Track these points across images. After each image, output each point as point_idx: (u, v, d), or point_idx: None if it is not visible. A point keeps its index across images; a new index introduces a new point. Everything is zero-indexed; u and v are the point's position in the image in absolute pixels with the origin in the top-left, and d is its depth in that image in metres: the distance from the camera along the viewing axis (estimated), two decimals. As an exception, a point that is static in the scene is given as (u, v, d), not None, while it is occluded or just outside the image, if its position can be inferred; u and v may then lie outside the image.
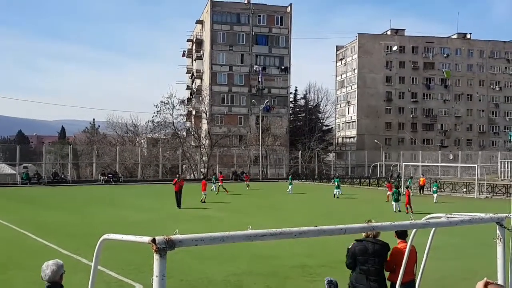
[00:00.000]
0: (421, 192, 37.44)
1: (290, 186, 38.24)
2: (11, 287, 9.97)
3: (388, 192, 30.40)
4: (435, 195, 31.66)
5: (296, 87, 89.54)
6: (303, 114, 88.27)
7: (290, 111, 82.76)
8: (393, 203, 25.41)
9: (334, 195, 33.97)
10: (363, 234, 6.70)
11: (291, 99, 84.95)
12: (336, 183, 35.35)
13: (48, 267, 4.59)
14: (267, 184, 49.80)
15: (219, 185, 37.70)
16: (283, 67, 77.10)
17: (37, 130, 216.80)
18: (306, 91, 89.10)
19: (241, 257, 12.76)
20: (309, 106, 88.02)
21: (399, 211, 24.50)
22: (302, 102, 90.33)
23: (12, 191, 37.92)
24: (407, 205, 24.37)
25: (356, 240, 6.71)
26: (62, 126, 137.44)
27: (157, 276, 2.77)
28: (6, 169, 59.27)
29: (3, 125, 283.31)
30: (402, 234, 6.94)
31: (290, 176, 42.56)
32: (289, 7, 77.85)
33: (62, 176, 49.45)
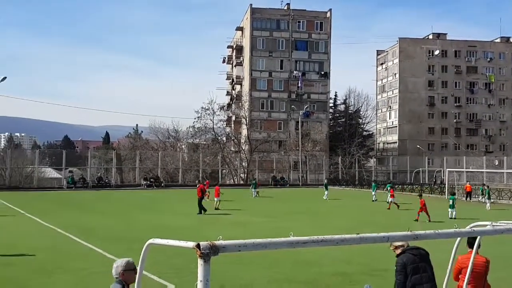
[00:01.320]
0: (469, 199, 36.32)
1: (326, 192, 37.98)
2: (58, 288, 10.26)
3: (390, 199, 29.55)
4: (488, 202, 30.97)
5: (336, 92, 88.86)
6: (343, 119, 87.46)
7: (330, 117, 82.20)
8: (449, 209, 24.82)
9: (374, 200, 34.48)
10: (398, 247, 6.47)
11: (331, 105, 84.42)
12: (373, 188, 36.37)
13: (114, 264, 4.94)
14: (306, 190, 49.55)
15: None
16: (322, 73, 76.75)
17: (82, 135, 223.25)
18: (346, 96, 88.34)
19: (282, 263, 12.74)
20: (349, 111, 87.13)
21: (454, 218, 23.83)
22: (342, 107, 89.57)
23: (58, 195, 39.08)
24: (419, 213, 23.55)
25: (398, 256, 6.47)
26: (106, 132, 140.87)
27: (201, 281, 2.84)
28: (52, 173, 61.22)
29: (50, 130, 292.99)
30: (472, 243, 6.59)
31: (325, 182, 42.29)
32: (329, 12, 77.53)
33: (106, 181, 50.70)
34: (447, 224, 21.68)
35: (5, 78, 46.95)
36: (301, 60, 76.56)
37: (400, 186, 51.65)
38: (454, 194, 26.58)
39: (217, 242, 2.84)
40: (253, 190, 38.51)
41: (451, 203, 24.93)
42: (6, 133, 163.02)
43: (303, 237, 2.85)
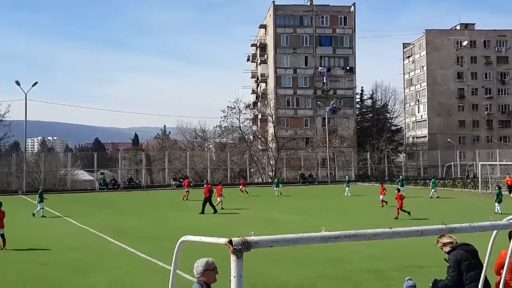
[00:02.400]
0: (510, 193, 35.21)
1: (347, 188, 37.73)
2: (91, 287, 10.47)
3: (381, 197, 28.06)
4: None
5: (362, 87, 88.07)
6: (371, 115, 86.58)
7: (357, 112, 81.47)
8: (496, 204, 24.17)
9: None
10: (447, 244, 6.26)
11: (358, 100, 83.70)
12: (399, 183, 35.35)
13: (195, 264, 5.01)
14: (335, 186, 49.21)
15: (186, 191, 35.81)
16: (348, 68, 76.12)
17: (112, 137, 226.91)
18: (372, 91, 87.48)
19: (313, 260, 12.71)
20: (377, 106, 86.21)
21: (500, 213, 23.16)
22: (369, 102, 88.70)
23: (90, 197, 39.83)
24: (399, 210, 22.15)
25: (448, 252, 6.25)
26: (135, 133, 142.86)
27: (234, 277, 2.87)
28: (84, 175, 62.42)
29: (81, 133, 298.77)
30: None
31: (347, 178, 42.04)
32: (353, 6, 76.83)
33: (137, 182, 51.44)
34: (432, 221, 21.22)
35: (36, 83, 48.13)
36: (326, 55, 76.06)
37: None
38: (500, 188, 25.75)
39: (249, 238, 2.87)
40: (276, 188, 38.33)
41: (498, 197, 24.15)
42: (39, 137, 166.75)
43: (335, 232, 2.85)
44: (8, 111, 52.02)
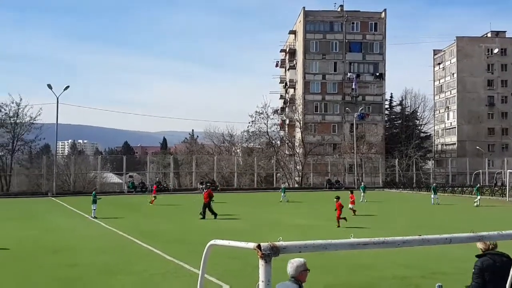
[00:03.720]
0: None
1: (362, 194, 37.34)
2: (121, 289, 10.61)
3: (350, 205, 26.46)
4: None
5: (391, 93, 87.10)
6: (400, 121, 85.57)
7: (386, 118, 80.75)
8: None
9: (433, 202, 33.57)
10: (480, 248, 6.04)
11: (387, 106, 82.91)
12: (432, 191, 34.96)
13: (290, 264, 5.06)
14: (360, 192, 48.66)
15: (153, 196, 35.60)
16: (377, 74, 75.58)
17: (141, 141, 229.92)
18: (402, 97, 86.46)
19: (339, 267, 12.61)
20: (406, 113, 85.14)
21: None
22: (398, 108, 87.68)
23: (119, 199, 40.39)
24: (339, 218, 21.43)
25: (478, 256, 6.03)
26: (164, 137, 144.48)
27: (262, 281, 2.88)
28: (113, 178, 63.35)
29: (111, 137, 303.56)
30: None
31: (362, 185, 41.49)
32: (383, 12, 76.27)
33: (165, 185, 51.95)
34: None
35: (68, 87, 49.20)
36: (355, 61, 75.73)
37: (459, 189, 49.97)
38: None
39: (278, 243, 2.88)
40: (282, 194, 38.00)
41: None
42: (70, 140, 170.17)
43: (363, 239, 2.84)
44: (39, 114, 53.26)
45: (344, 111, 72.59)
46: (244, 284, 10.77)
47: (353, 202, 26.68)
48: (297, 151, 66.40)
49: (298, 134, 70.22)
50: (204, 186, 28.55)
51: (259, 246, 2.94)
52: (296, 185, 59.87)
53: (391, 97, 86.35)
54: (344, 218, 21.52)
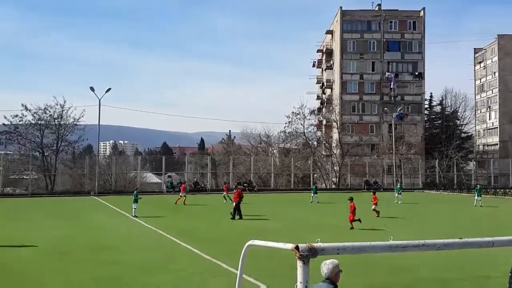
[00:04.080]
0: None
1: (396, 195, 36.73)
2: None
3: (373, 207, 26.16)
4: None
5: (431, 93, 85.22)
6: (440, 121, 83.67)
7: (425, 118, 79.20)
8: None
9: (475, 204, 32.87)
10: None
11: (426, 106, 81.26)
12: (476, 192, 34.12)
13: (324, 265, 5.06)
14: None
15: (224, 194, 36.24)
16: (416, 73, 74.34)
17: (179, 142, 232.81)
18: (442, 97, 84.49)
19: (377, 269, 12.46)
20: (446, 113, 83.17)
21: None
22: (438, 108, 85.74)
23: (158, 199, 41.03)
24: (352, 220, 21.07)
25: None
26: (201, 138, 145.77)
27: (300, 282, 2.91)
28: (153, 178, 64.39)
29: (150, 137, 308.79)
30: None
31: (398, 186, 40.73)
32: (422, 11, 74.96)
33: (202, 185, 52.46)
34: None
35: (109, 89, 50.39)
36: (394, 61, 74.71)
37: (502, 190, 48.47)
38: None
39: (316, 244, 2.90)
40: (313, 195, 37.65)
41: None
42: (111, 141, 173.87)
43: (402, 241, 2.83)
44: (82, 116, 54.71)
45: (382, 111, 71.63)
46: (281, 284, 10.79)
47: (376, 204, 26.21)
48: (334, 152, 65.87)
49: (335, 135, 69.66)
50: (234, 186, 28.63)
51: (297, 247, 2.96)
52: (334, 186, 59.39)
53: (431, 96, 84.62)
54: (359, 220, 21.07)
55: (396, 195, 37.11)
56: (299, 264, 2.89)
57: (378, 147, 69.27)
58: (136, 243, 17.17)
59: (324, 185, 62.00)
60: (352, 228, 20.75)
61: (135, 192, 27.93)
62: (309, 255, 2.89)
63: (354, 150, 66.13)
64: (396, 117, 65.23)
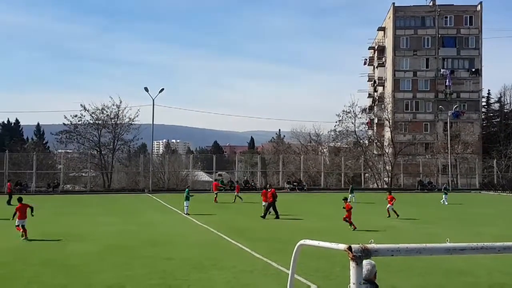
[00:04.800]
0: None
1: (444, 196, 35.63)
2: (213, 284, 10.98)
3: (388, 205, 25.34)
4: None
5: (488, 90, 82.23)
6: (498, 119, 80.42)
7: (483, 116, 76.33)
8: None
9: None
10: None
11: (484, 103, 78.36)
12: None
13: (363, 266, 5.01)
14: (456, 194, 46.42)
15: (236, 195, 35.71)
16: (473, 70, 71.89)
17: (230, 140, 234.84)
18: (500, 94, 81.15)
19: (432, 271, 12.19)
20: (505, 110, 79.84)
21: None
22: (496, 106, 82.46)
23: (209, 197, 41.55)
24: (348, 221, 20.50)
25: None
26: (251, 137, 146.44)
27: (354, 284, 2.91)
28: (204, 176, 65.32)
29: (201, 136, 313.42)
30: None
31: (445, 186, 39.67)
32: (479, 5, 72.40)
33: (252, 184, 52.76)
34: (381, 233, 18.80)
35: (162, 89, 51.52)
36: (449, 57, 72.62)
37: None
38: None
39: (369, 246, 2.88)
40: (350, 195, 36.93)
41: None
42: (164, 140, 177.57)
43: (460, 244, 2.77)
44: (137, 115, 56.23)
45: (437, 109, 69.83)
46: (332, 285, 10.76)
47: (392, 203, 25.38)
48: (386, 151, 64.64)
49: (387, 134, 68.37)
50: (268, 186, 28.50)
51: (350, 248, 2.96)
52: (385, 186, 58.30)
53: (489, 93, 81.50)
54: (351, 223, 20.49)
55: (443, 196, 36.13)
56: (352, 265, 2.89)
57: (433, 146, 67.53)
58: (189, 239, 17.53)
59: (375, 185, 60.95)
60: (355, 228, 20.19)
61: (187, 190, 28.45)
62: (362, 256, 2.88)
63: (407, 149, 64.69)
64: (452, 115, 63.31)
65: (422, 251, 2.78)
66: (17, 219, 17.48)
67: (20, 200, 18.39)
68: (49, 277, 11.49)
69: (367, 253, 2.89)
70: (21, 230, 17.31)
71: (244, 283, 11.05)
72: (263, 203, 26.65)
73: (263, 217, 24.52)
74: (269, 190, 26.29)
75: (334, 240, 3.88)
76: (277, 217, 24.47)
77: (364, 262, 4.94)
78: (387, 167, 61.87)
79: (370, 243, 2.90)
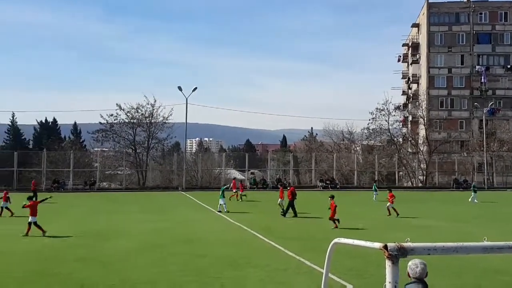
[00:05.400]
0: None
1: (473, 194, 35.03)
2: (247, 282, 11.10)
3: (388, 204, 24.78)
4: None
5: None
6: (537, 116, 78.00)
7: (520, 113, 74.26)
8: None
9: None
10: None
11: (521, 100, 76.18)
12: None
13: (417, 266, 4.99)
14: (491, 193, 45.33)
15: (240, 194, 35.24)
16: (508, 66, 70.39)
17: (262, 139, 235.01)
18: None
19: (468, 271, 12.01)
20: (544, 107, 77.39)
21: None
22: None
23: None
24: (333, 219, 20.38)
25: None
26: (284, 135, 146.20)
27: (390, 283, 2.93)
28: (236, 174, 65.59)
29: (233, 135, 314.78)
30: None
31: (473, 184, 38.94)
32: (515, 0, 70.52)
33: (285, 182, 52.73)
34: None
35: (196, 88, 52.03)
36: (484, 53, 71.14)
37: None
38: None
39: (405, 244, 2.91)
40: (375, 193, 36.38)
41: None
42: (197, 138, 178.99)
43: (498, 242, 2.77)
44: (171, 114, 56.95)
45: (472, 107, 68.25)
46: (367, 284, 10.72)
47: (392, 201, 24.90)
48: (421, 149, 63.54)
49: (422, 131, 67.23)
50: (287, 184, 28.38)
51: (385, 247, 2.98)
52: (420, 185, 57.37)
53: (527, 90, 79.13)
54: (337, 220, 20.43)
55: (472, 194, 35.47)
56: (388, 263, 2.92)
57: (468, 144, 66.06)
58: (223, 237, 17.70)
59: (410, 183, 60.04)
60: (336, 227, 20.04)
61: (222, 188, 28.53)
62: (398, 254, 2.91)
63: (442, 147, 63.46)
64: (487, 113, 61.86)
65: (459, 250, 2.80)
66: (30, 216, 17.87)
67: (31, 198, 18.91)
68: (86, 273, 11.76)
69: (403, 251, 2.91)
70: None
71: (277, 281, 11.10)
72: (279, 200, 26.90)
73: (283, 215, 24.48)
74: (287, 188, 26.19)
75: (368, 239, 3.91)
76: (295, 215, 24.36)
77: (417, 261, 4.93)
78: (421, 165, 60.84)
79: (406, 242, 2.93)
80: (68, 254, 14.22)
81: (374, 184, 39.91)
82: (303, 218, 24.18)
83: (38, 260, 13.45)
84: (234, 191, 35.48)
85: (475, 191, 35.72)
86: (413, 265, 5.01)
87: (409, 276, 4.87)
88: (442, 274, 11.69)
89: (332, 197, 21.70)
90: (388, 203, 25.14)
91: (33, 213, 17.83)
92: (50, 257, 13.82)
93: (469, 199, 35.05)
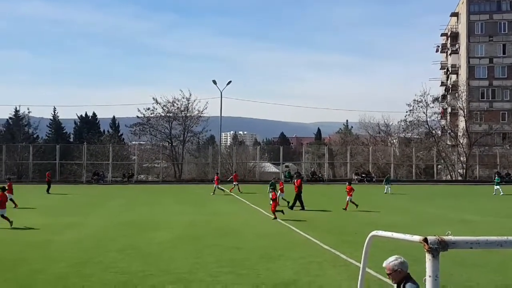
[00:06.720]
0: None
1: (496, 187, 34.49)
2: (282, 274, 11.09)
3: (348, 198, 24.06)
4: None
5: None
6: None
7: None
8: None
9: None
10: None
11: None
12: None
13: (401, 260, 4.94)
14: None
15: (215, 186, 34.64)
16: (554, 55, 67.59)
17: (296, 132, 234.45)
18: None
19: (509, 266, 11.67)
20: None
21: None
22: None
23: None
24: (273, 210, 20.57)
25: None
26: (318, 128, 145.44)
27: (430, 276, 2.86)
28: (271, 167, 65.72)
29: (268, 128, 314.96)
30: None
31: (497, 177, 38.00)
32: (562, -15, 67.66)
33: (319, 175, 52.51)
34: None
35: (230, 82, 52.37)
36: (528, 42, 68.59)
37: None
38: None
39: (446, 238, 2.82)
40: (386, 185, 35.67)
41: None
42: (232, 132, 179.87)
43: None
44: (206, 108, 57.48)
45: (515, 97, 66.17)
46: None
47: (351, 194, 24.35)
48: (461, 142, 62.06)
49: (461, 123, 65.62)
50: (295, 176, 28.07)
51: (425, 240, 2.91)
52: (460, 178, 56.09)
53: None
54: (281, 211, 20.71)
55: (496, 186, 34.52)
56: (428, 257, 2.85)
57: (511, 136, 64.08)
58: (257, 229, 17.75)
59: (449, 177, 58.79)
60: (275, 218, 20.18)
61: (271, 182, 28.01)
62: (439, 248, 2.83)
63: (483, 140, 61.82)
64: (532, 104, 59.78)
65: (504, 244, 2.69)
66: None
67: (3, 189, 18.85)
68: (126, 263, 12.03)
69: (444, 245, 2.83)
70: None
71: (313, 274, 11.05)
72: (282, 195, 26.69)
73: (291, 207, 24.36)
74: (295, 180, 26.18)
75: (403, 232, 3.81)
76: (302, 208, 24.31)
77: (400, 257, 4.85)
78: (461, 158, 59.46)
79: (447, 235, 2.85)
80: (108, 245, 14.59)
81: (387, 176, 39.58)
82: (339, 211, 23.99)
83: (81, 249, 13.86)
84: (234, 183, 35.95)
85: (498, 184, 35.36)
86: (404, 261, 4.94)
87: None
88: (482, 270, 11.39)
89: (273, 188, 24.05)
90: (348, 197, 24.59)
91: (2, 206, 18.10)
92: (92, 247, 14.21)
93: (494, 193, 34.51)
